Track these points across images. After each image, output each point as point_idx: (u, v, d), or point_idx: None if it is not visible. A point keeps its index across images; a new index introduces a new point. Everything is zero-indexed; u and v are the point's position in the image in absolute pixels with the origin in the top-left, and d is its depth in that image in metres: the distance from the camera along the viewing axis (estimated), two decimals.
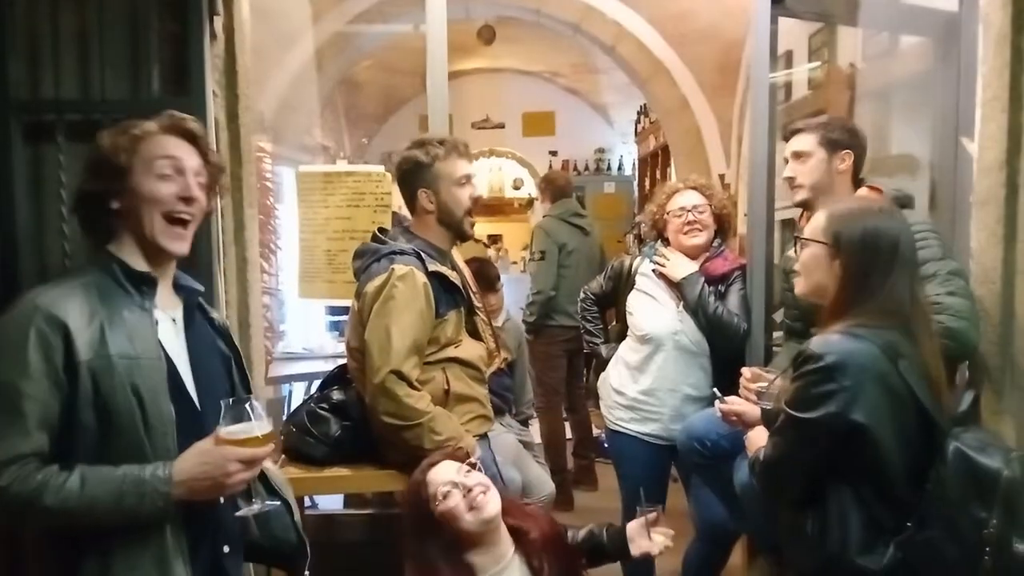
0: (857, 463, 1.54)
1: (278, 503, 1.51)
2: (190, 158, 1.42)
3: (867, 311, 1.56)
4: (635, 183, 8.32)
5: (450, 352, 2.21)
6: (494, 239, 8.92)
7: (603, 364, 2.73)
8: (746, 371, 2.07)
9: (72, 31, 2.01)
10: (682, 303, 2.53)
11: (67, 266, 1.92)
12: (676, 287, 2.54)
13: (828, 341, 1.54)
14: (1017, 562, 1.43)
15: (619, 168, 8.72)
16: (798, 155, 2.19)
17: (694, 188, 2.59)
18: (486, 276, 3.39)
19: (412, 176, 2.24)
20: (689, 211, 2.54)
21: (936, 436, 1.54)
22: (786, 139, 2.26)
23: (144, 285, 1.38)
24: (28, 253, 1.96)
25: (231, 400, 1.33)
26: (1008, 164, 2.00)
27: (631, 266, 2.69)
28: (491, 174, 9.22)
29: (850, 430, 1.50)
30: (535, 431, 3.73)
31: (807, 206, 2.24)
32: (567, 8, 5.29)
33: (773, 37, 2.39)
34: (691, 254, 2.55)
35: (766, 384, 1.96)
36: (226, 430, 1.29)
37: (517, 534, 1.79)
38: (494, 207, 9.04)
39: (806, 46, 3.69)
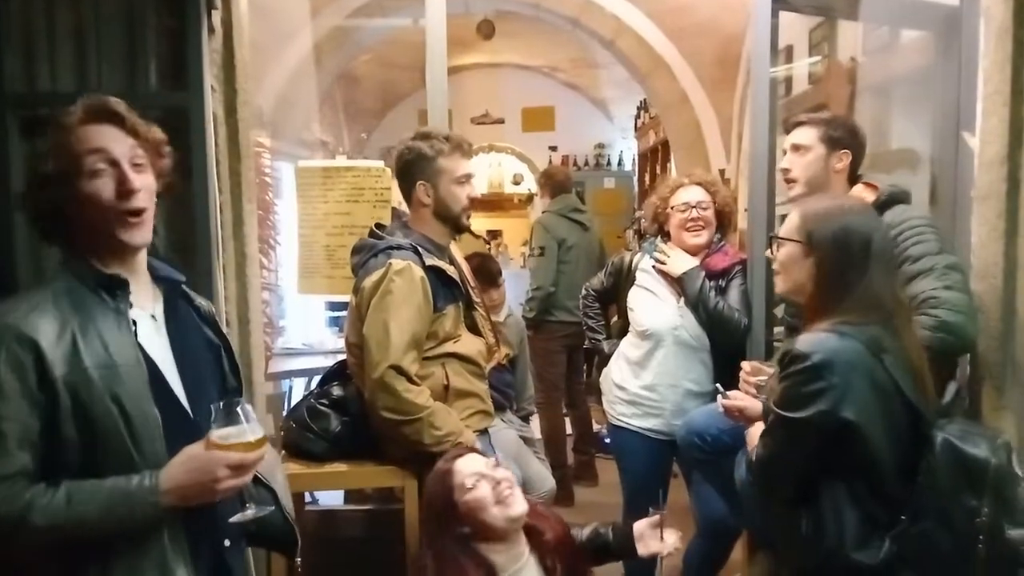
0: (848, 460, 1.54)
1: (272, 508, 1.47)
2: (118, 144, 1.31)
3: (847, 308, 1.57)
4: (635, 178, 8.31)
5: (449, 347, 2.20)
6: (494, 234, 8.91)
7: (605, 360, 2.73)
8: (746, 365, 2.07)
9: (68, 25, 2.00)
10: (683, 299, 2.52)
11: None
12: (676, 282, 2.53)
13: (813, 340, 1.55)
14: (1010, 548, 1.45)
15: (619, 163, 8.72)
16: (797, 148, 2.19)
17: (698, 184, 2.58)
18: (488, 271, 3.39)
19: (413, 167, 2.24)
20: (693, 207, 2.53)
21: (923, 429, 1.56)
22: (787, 131, 2.26)
23: (116, 288, 1.32)
24: (25, 248, 1.95)
25: (221, 403, 1.28)
26: (1009, 159, 2.00)
27: (631, 262, 2.68)
28: (491, 169, 9.21)
29: (840, 427, 1.51)
30: (535, 427, 3.72)
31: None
32: (566, 2, 5.27)
33: (774, 31, 2.39)
34: (692, 252, 2.54)
35: (766, 378, 1.96)
36: (217, 433, 1.26)
37: (531, 533, 1.79)
38: (494, 203, 9.03)
39: (806, 40, 3.68)
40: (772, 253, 1.73)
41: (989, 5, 2.03)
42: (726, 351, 2.46)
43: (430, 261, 2.15)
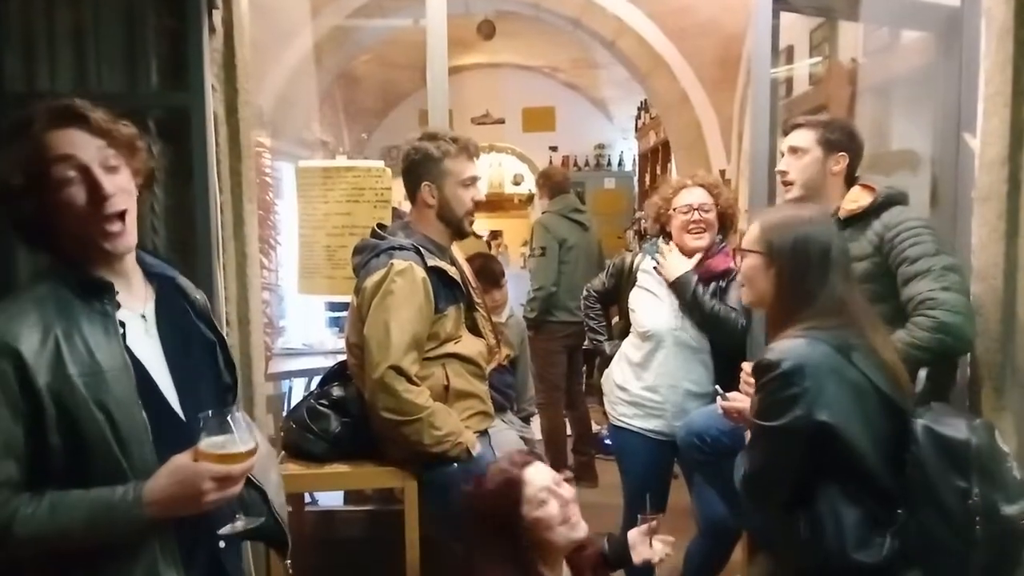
0: (835, 461, 1.55)
1: (262, 519, 1.44)
2: (86, 148, 1.24)
3: (810, 315, 1.60)
4: (635, 179, 8.32)
5: (450, 348, 2.20)
6: (494, 235, 8.90)
7: (607, 361, 2.73)
8: (746, 366, 2.06)
9: (68, 24, 2.00)
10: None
11: None
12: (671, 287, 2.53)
13: (782, 348, 1.57)
14: (1007, 524, 1.47)
15: (619, 164, 8.72)
16: (794, 150, 2.19)
17: (701, 186, 2.57)
18: (490, 272, 3.39)
19: (419, 168, 2.23)
20: (696, 209, 2.52)
21: (904, 421, 1.58)
22: (786, 133, 2.26)
23: (102, 291, 1.28)
24: (26, 252, 1.95)
25: (210, 412, 1.24)
26: (1010, 160, 1.99)
27: (632, 263, 2.68)
28: (491, 170, 9.21)
29: (818, 430, 1.52)
30: (535, 428, 3.72)
31: (797, 203, 2.24)
32: (567, 3, 5.27)
33: (774, 32, 2.39)
34: (693, 255, 2.54)
35: None
36: (206, 443, 1.22)
37: (575, 557, 1.81)
38: (494, 203, 9.02)
39: (807, 41, 3.68)
40: (737, 265, 1.76)
41: (990, 6, 2.03)
42: (727, 352, 2.46)
43: (432, 262, 2.15)
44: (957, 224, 2.33)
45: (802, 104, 3.64)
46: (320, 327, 4.64)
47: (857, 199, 2.11)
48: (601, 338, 2.81)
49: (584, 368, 4.84)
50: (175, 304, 1.43)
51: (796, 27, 3.57)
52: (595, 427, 4.59)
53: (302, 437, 2.32)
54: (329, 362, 3.16)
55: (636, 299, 2.61)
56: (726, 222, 2.61)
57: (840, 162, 2.15)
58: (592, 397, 4.37)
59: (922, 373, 1.98)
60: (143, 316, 1.36)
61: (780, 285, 1.64)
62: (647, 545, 1.91)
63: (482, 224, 8.49)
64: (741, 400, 1.93)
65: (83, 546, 1.23)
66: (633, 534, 1.95)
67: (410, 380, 2.08)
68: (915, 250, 1.97)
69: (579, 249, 4.37)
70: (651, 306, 2.56)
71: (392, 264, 2.10)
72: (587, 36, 5.58)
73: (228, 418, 1.24)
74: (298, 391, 4.05)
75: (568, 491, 1.74)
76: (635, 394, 2.57)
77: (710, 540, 2.59)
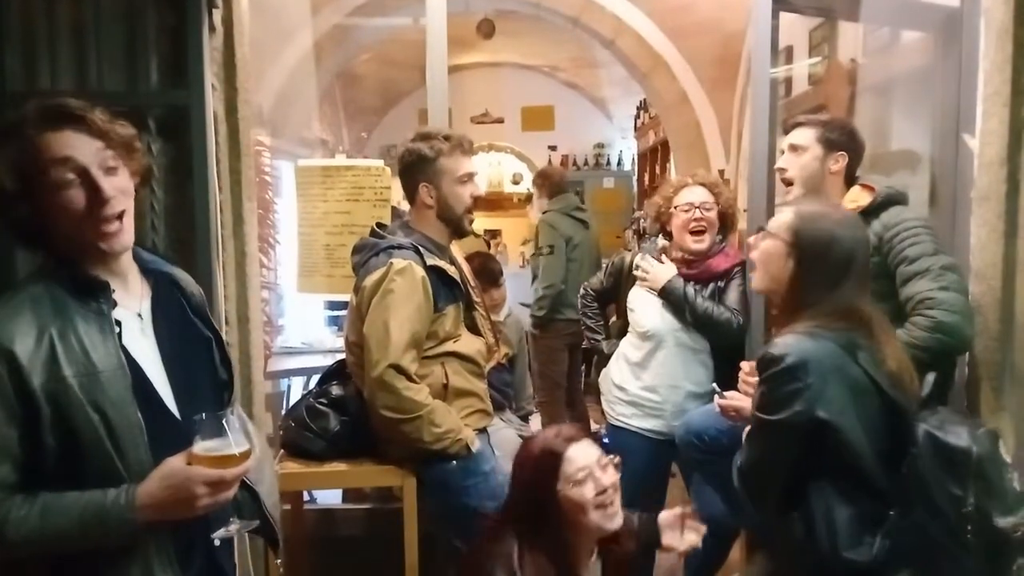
0: (832, 459, 1.55)
1: (256, 523, 1.44)
2: (84, 149, 1.23)
3: (818, 314, 1.59)
4: (634, 178, 8.32)
5: (449, 347, 2.20)
6: (493, 234, 8.91)
7: (604, 360, 2.73)
8: (745, 365, 2.07)
9: (68, 22, 2.00)
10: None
11: None
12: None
13: (787, 342, 1.57)
14: (999, 536, 1.46)
15: (618, 163, 8.72)
16: (794, 148, 2.20)
17: (703, 185, 2.57)
18: (489, 271, 3.39)
19: (414, 169, 2.24)
20: (696, 207, 2.51)
21: (904, 422, 1.57)
22: (786, 132, 2.27)
23: (97, 291, 1.26)
24: (22, 247, 1.95)
25: (204, 414, 1.24)
26: (1009, 160, 2.00)
27: (632, 262, 2.68)
28: (490, 169, 9.21)
29: (817, 427, 1.52)
30: (535, 426, 3.72)
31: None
32: (566, 2, 5.27)
33: (774, 32, 2.39)
34: (694, 256, 2.54)
35: None
36: (200, 446, 1.21)
37: (610, 544, 1.78)
38: (493, 202, 9.02)
39: (806, 41, 3.69)
40: (754, 243, 1.73)
41: (989, 6, 2.03)
42: (726, 352, 2.46)
43: (431, 261, 2.15)
44: (956, 224, 2.33)
45: (801, 104, 3.64)
46: (319, 326, 4.63)
47: (856, 199, 2.11)
48: (599, 337, 2.80)
49: (583, 367, 4.85)
50: (171, 301, 1.43)
51: (795, 27, 3.57)
52: (593, 426, 4.59)
53: (301, 435, 2.32)
54: (328, 361, 3.16)
55: (635, 299, 2.61)
56: (726, 222, 2.60)
57: (839, 161, 2.16)
58: (590, 396, 4.37)
59: (929, 377, 1.97)
60: (139, 315, 1.35)
61: (795, 277, 1.63)
62: (678, 531, 1.88)
63: (481, 223, 8.50)
64: (739, 399, 1.93)
65: (76, 549, 1.22)
66: (665, 516, 1.93)
67: (410, 378, 2.08)
68: (914, 250, 1.97)
69: (583, 247, 4.41)
70: (651, 306, 2.56)
71: (391, 263, 2.10)
72: (586, 35, 5.58)
73: (223, 420, 1.23)
74: (297, 390, 4.05)
75: (611, 477, 1.69)
76: (633, 394, 2.57)
77: (708, 539, 2.58)
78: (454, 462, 2.13)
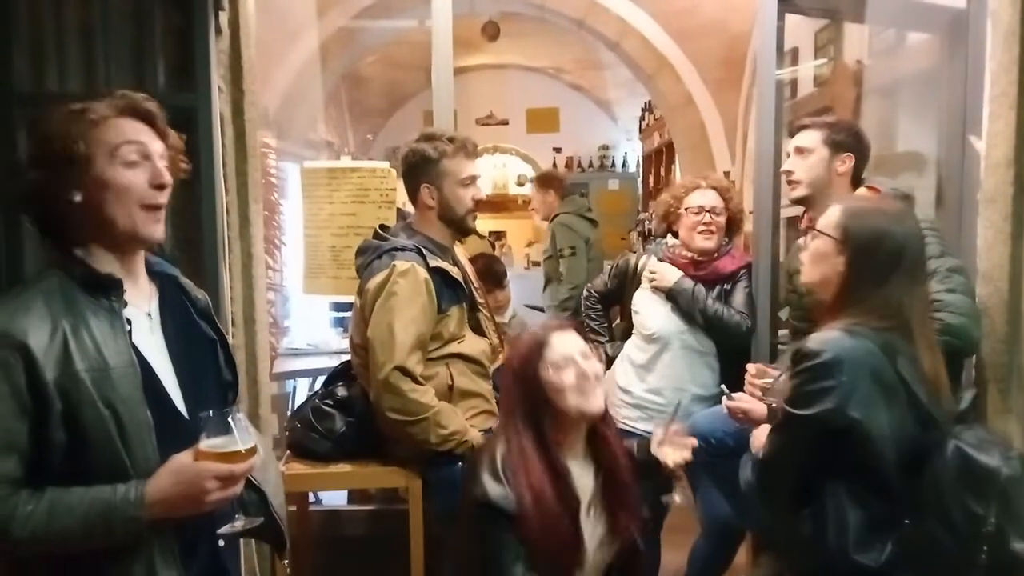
0: (853, 459, 1.54)
1: (261, 519, 1.44)
2: (153, 141, 1.31)
3: (864, 311, 1.57)
4: (639, 180, 8.31)
5: (453, 348, 2.21)
6: (497, 236, 8.90)
7: (608, 363, 2.72)
8: (751, 367, 2.07)
9: (76, 24, 2.01)
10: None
11: None
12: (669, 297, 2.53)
13: (825, 338, 1.55)
14: (1014, 559, 1.44)
15: (623, 165, 8.71)
16: (800, 150, 2.19)
17: (714, 188, 2.56)
18: (493, 272, 3.40)
19: (417, 170, 2.24)
20: (707, 211, 2.50)
21: (933, 433, 1.55)
22: (791, 135, 2.26)
23: (110, 288, 1.28)
24: (33, 248, 1.96)
25: (211, 412, 1.24)
26: (1016, 161, 1.99)
27: (637, 264, 2.67)
28: (495, 171, 9.21)
29: (846, 426, 1.51)
30: None
31: (803, 203, 2.24)
32: (571, 4, 5.28)
33: (779, 34, 2.38)
34: (701, 255, 2.53)
35: (771, 380, 1.96)
36: (206, 443, 1.22)
37: (595, 440, 1.78)
38: (498, 204, 9.02)
39: (812, 43, 3.68)
40: (806, 244, 1.71)
41: (996, 8, 2.03)
42: (732, 354, 2.45)
43: (434, 262, 2.16)
44: (962, 226, 2.32)
45: (807, 106, 3.63)
46: (324, 327, 4.65)
47: (905, 203, 2.10)
48: (602, 339, 2.79)
49: None
50: (177, 303, 1.44)
51: (801, 28, 3.57)
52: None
53: (307, 436, 2.33)
54: (333, 362, 3.17)
55: (640, 301, 2.60)
56: (732, 225, 2.60)
57: (846, 163, 2.15)
58: None
59: (967, 394, 1.96)
60: (148, 314, 1.37)
61: (844, 275, 1.60)
62: (668, 447, 1.90)
63: (485, 225, 8.51)
64: (748, 401, 1.93)
65: (82, 546, 1.22)
66: (658, 431, 1.94)
67: (415, 380, 2.08)
68: None
69: (596, 247, 4.46)
70: (657, 308, 2.55)
71: (395, 265, 2.11)
72: (591, 37, 5.58)
73: (228, 418, 1.24)
74: (302, 391, 4.06)
75: (593, 367, 1.72)
76: (638, 396, 2.56)
77: (714, 541, 2.59)
78: (460, 463, 2.13)
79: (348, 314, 3.81)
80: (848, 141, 2.16)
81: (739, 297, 2.50)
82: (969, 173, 2.31)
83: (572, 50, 7.13)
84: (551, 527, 1.60)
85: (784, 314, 2.53)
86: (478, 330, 2.34)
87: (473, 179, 2.27)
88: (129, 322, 1.30)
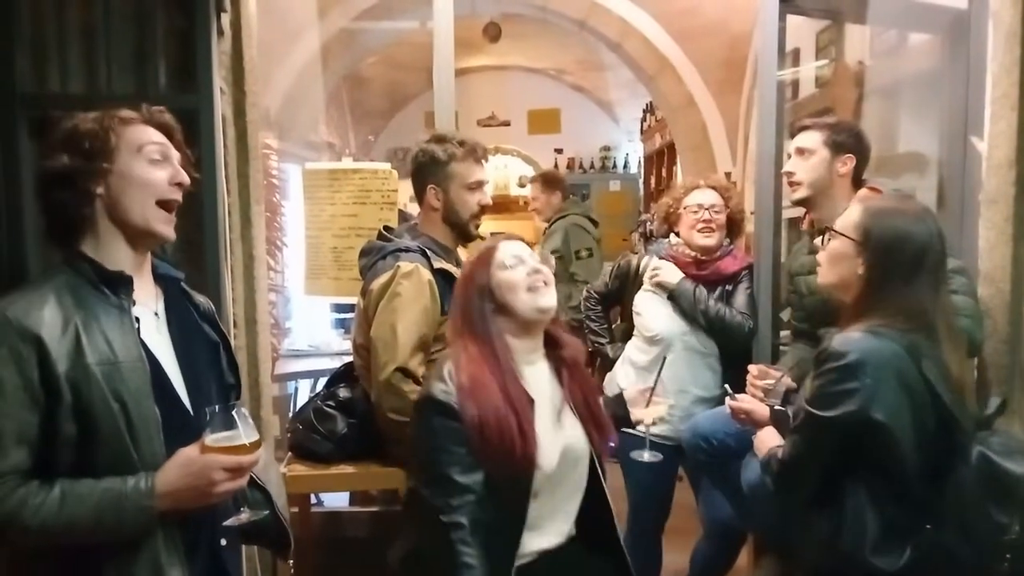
0: (874, 462, 1.53)
1: (266, 512, 1.46)
2: (171, 148, 1.40)
3: (888, 312, 1.55)
4: (640, 181, 8.31)
5: None
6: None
7: (609, 364, 2.72)
8: (753, 368, 2.07)
9: (78, 25, 2.01)
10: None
11: None
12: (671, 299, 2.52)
13: (849, 339, 1.53)
14: None
15: (624, 166, 8.72)
16: (801, 151, 2.19)
17: (713, 187, 2.57)
18: None
19: (425, 170, 2.24)
20: (706, 209, 2.51)
21: (957, 438, 1.53)
22: (792, 135, 2.26)
23: (119, 285, 1.32)
24: (36, 248, 1.96)
25: (216, 407, 1.28)
26: (1018, 162, 1.99)
27: (638, 265, 2.67)
28: (496, 172, 9.21)
29: (869, 428, 1.49)
30: None
31: (804, 204, 2.24)
32: (573, 5, 5.28)
33: (781, 34, 2.38)
34: (701, 252, 2.53)
35: (773, 381, 1.96)
36: (212, 437, 1.25)
37: (550, 343, 1.76)
38: (499, 205, 9.00)
39: (813, 44, 3.68)
40: (823, 245, 1.70)
41: (998, 8, 2.03)
42: (735, 356, 2.45)
43: (438, 264, 2.16)
44: (964, 227, 2.32)
45: (808, 106, 3.63)
46: (326, 328, 4.65)
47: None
48: (603, 341, 2.79)
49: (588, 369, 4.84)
50: (181, 305, 1.47)
51: (803, 29, 3.57)
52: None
53: (308, 438, 2.33)
54: (335, 363, 3.17)
55: (642, 302, 2.59)
56: (734, 226, 2.60)
57: (847, 164, 2.15)
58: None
59: (994, 400, 1.95)
60: (155, 314, 1.40)
61: (865, 276, 1.59)
62: (642, 406, 1.89)
63: (486, 226, 8.50)
64: (750, 402, 1.93)
65: (90, 538, 1.24)
66: (632, 392, 1.93)
67: (417, 381, 2.08)
68: None
69: (600, 248, 4.45)
70: (660, 310, 2.54)
71: (398, 266, 2.11)
72: (593, 38, 5.59)
73: (232, 413, 1.27)
74: (304, 392, 4.06)
75: (544, 269, 1.71)
76: None
77: (716, 542, 2.58)
78: None
79: (349, 315, 3.81)
80: (849, 142, 2.16)
81: (740, 298, 2.50)
82: (970, 174, 2.31)
83: (573, 51, 7.14)
84: (494, 422, 1.54)
85: (785, 315, 2.53)
86: None
87: (480, 184, 2.26)
88: (137, 319, 1.33)
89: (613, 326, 2.87)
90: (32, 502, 1.20)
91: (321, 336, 4.41)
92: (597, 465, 1.73)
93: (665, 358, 2.19)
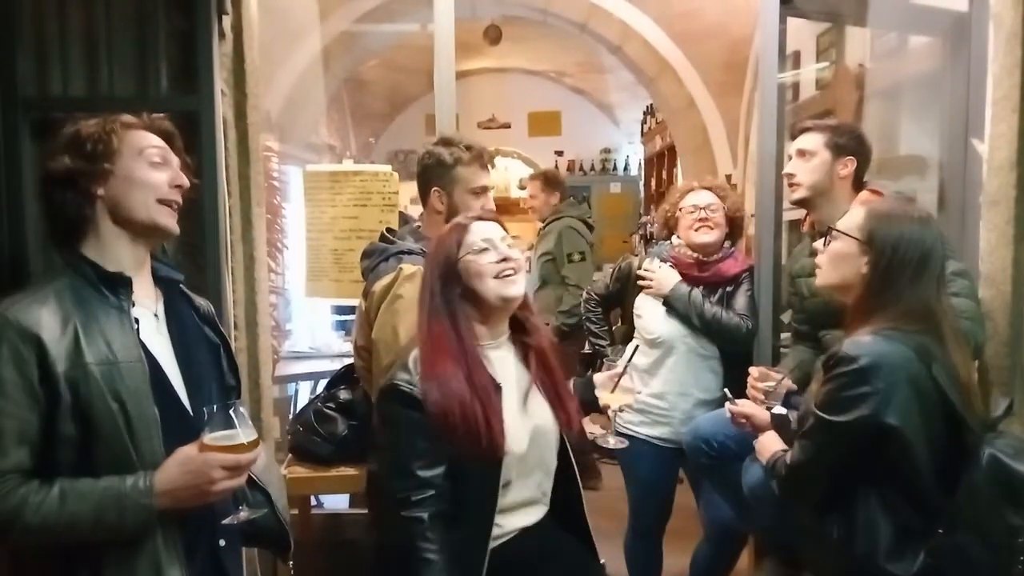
0: (887, 466, 1.52)
1: (264, 510, 1.47)
2: (171, 153, 1.44)
3: (894, 314, 1.54)
4: (641, 183, 8.32)
5: None
6: None
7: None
8: (754, 371, 2.06)
9: (80, 28, 2.01)
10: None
11: None
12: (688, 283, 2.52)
13: (861, 343, 1.52)
14: None
15: (625, 168, 8.72)
16: (802, 153, 2.19)
17: (708, 188, 2.58)
18: None
19: (430, 172, 2.24)
20: (702, 208, 2.52)
21: (967, 441, 1.52)
22: (794, 137, 2.26)
23: (119, 286, 1.33)
24: (37, 249, 1.97)
25: (215, 406, 1.28)
26: (1019, 164, 1.99)
27: (640, 267, 2.67)
28: (497, 174, 9.21)
29: (882, 433, 1.48)
30: None
31: (804, 205, 2.24)
32: (573, 7, 5.28)
33: (781, 37, 2.38)
34: (701, 252, 2.53)
35: (774, 383, 1.96)
36: (210, 436, 1.25)
37: (520, 328, 1.74)
38: (499, 207, 8.92)
39: (814, 46, 3.68)
40: (824, 245, 1.69)
41: (999, 10, 2.03)
42: (736, 358, 2.45)
43: None
44: (965, 229, 2.32)
45: (809, 109, 3.63)
46: (326, 330, 4.65)
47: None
48: (603, 342, 2.78)
49: (588, 373, 4.81)
50: (181, 306, 1.48)
51: (803, 32, 3.57)
52: (600, 432, 4.56)
53: (309, 440, 2.33)
54: (335, 365, 3.17)
55: (643, 305, 2.59)
56: (734, 227, 2.60)
57: (848, 166, 2.15)
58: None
59: (1003, 401, 1.95)
60: (155, 315, 1.41)
61: (870, 278, 1.58)
62: (608, 390, 1.86)
63: None
64: (750, 406, 1.92)
65: (89, 537, 1.24)
66: (600, 377, 1.91)
67: None
68: None
69: (593, 253, 4.41)
70: (660, 312, 2.54)
71: (401, 268, 2.11)
72: (593, 40, 5.59)
73: (231, 412, 1.27)
74: (304, 394, 4.06)
75: (515, 253, 1.67)
76: (642, 401, 2.53)
77: (716, 545, 2.58)
78: None
79: (350, 317, 3.81)
80: (850, 144, 2.16)
81: (741, 300, 2.50)
82: (971, 176, 2.31)
83: (574, 54, 7.14)
84: (458, 412, 1.52)
85: (786, 317, 2.53)
86: None
87: (485, 190, 2.26)
88: (137, 320, 1.34)
89: (613, 328, 2.87)
90: (33, 501, 1.21)
91: (322, 338, 4.41)
92: (567, 443, 1.74)
93: (637, 347, 2.17)
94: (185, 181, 1.42)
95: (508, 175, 9.41)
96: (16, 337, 1.22)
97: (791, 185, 2.22)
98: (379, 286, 2.13)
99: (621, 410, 1.90)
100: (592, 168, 8.78)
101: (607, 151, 8.84)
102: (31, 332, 1.23)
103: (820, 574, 1.68)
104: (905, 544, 1.50)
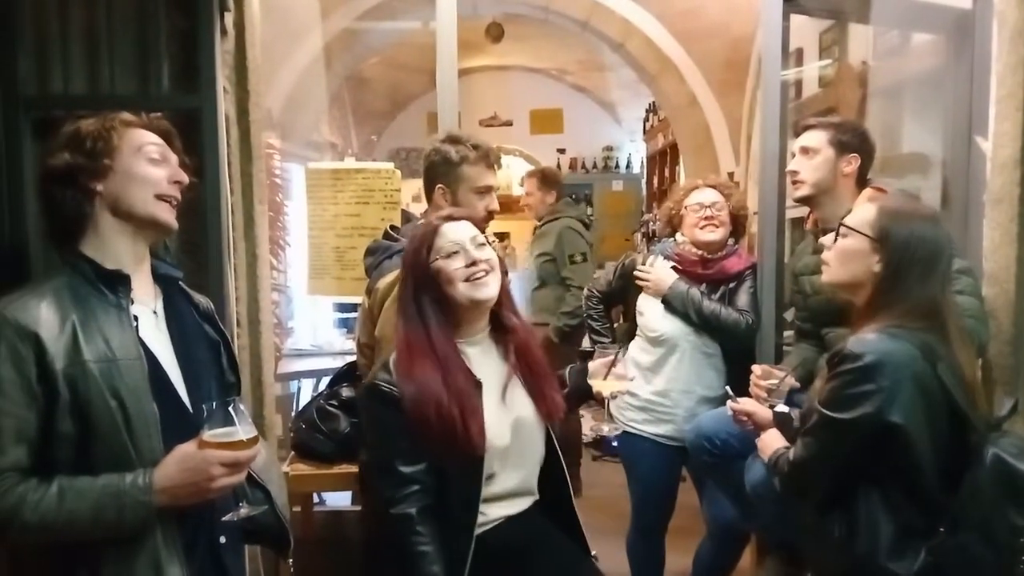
0: (890, 465, 1.52)
1: (264, 507, 1.47)
2: (170, 151, 1.45)
3: (901, 312, 1.54)
4: (643, 181, 8.31)
5: None
6: (501, 237, 8.89)
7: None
8: (757, 368, 2.06)
9: (81, 26, 2.01)
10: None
11: None
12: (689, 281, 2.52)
13: (866, 340, 1.52)
14: None
15: (627, 166, 8.71)
16: (806, 150, 2.19)
17: (713, 186, 2.58)
18: None
19: (436, 169, 2.24)
20: (707, 207, 2.51)
21: (970, 439, 1.52)
22: (797, 135, 2.26)
23: (117, 284, 1.34)
24: (38, 248, 1.97)
25: (214, 403, 1.28)
26: (1023, 162, 1.98)
27: (643, 264, 2.66)
28: (498, 172, 9.21)
29: (885, 431, 1.48)
30: None
31: (807, 203, 2.23)
32: (575, 5, 5.27)
33: (784, 34, 2.38)
34: (706, 250, 2.53)
35: (776, 381, 1.96)
36: (209, 433, 1.25)
37: (498, 323, 1.74)
38: (501, 205, 8.95)
39: (817, 44, 3.67)
40: (833, 242, 1.68)
41: (1003, 8, 2.02)
42: (739, 356, 2.44)
43: None
44: (968, 227, 2.32)
45: (811, 106, 3.63)
46: (328, 328, 4.65)
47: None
48: (606, 341, 2.76)
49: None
50: (181, 304, 1.49)
51: (806, 29, 3.56)
52: (588, 435, 4.54)
53: (311, 437, 2.33)
54: (338, 363, 3.17)
55: (646, 303, 2.58)
56: (738, 224, 2.60)
57: (851, 163, 2.15)
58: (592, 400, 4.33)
59: (1007, 400, 1.94)
60: (154, 312, 1.41)
61: (880, 275, 1.58)
62: (602, 377, 1.86)
63: (489, 226, 8.48)
64: (752, 404, 1.92)
65: (88, 535, 1.24)
66: (595, 365, 1.90)
67: None
68: None
69: (592, 253, 4.39)
70: (663, 310, 2.53)
71: None
72: (595, 38, 5.58)
73: (230, 408, 1.27)
74: (307, 392, 4.06)
75: (485, 254, 1.67)
76: (644, 399, 2.54)
77: (719, 543, 2.58)
78: None
79: (352, 315, 3.81)
80: (854, 142, 2.16)
81: (743, 297, 2.50)
82: (975, 174, 2.30)
83: (576, 51, 7.13)
84: (435, 414, 1.54)
85: (789, 315, 2.53)
86: None
87: (489, 189, 2.26)
88: (136, 318, 1.34)
89: (615, 325, 2.87)
90: (31, 498, 1.21)
91: (324, 336, 4.41)
92: (551, 432, 1.75)
93: (626, 347, 2.16)
94: (184, 177, 1.43)
95: (510, 172, 9.40)
96: (14, 335, 1.22)
97: (794, 183, 2.22)
98: (383, 283, 2.13)
99: (614, 397, 1.90)
100: (594, 166, 8.77)
101: (609, 149, 8.83)
102: (29, 330, 1.23)
103: (822, 572, 1.68)
104: (906, 543, 1.50)
